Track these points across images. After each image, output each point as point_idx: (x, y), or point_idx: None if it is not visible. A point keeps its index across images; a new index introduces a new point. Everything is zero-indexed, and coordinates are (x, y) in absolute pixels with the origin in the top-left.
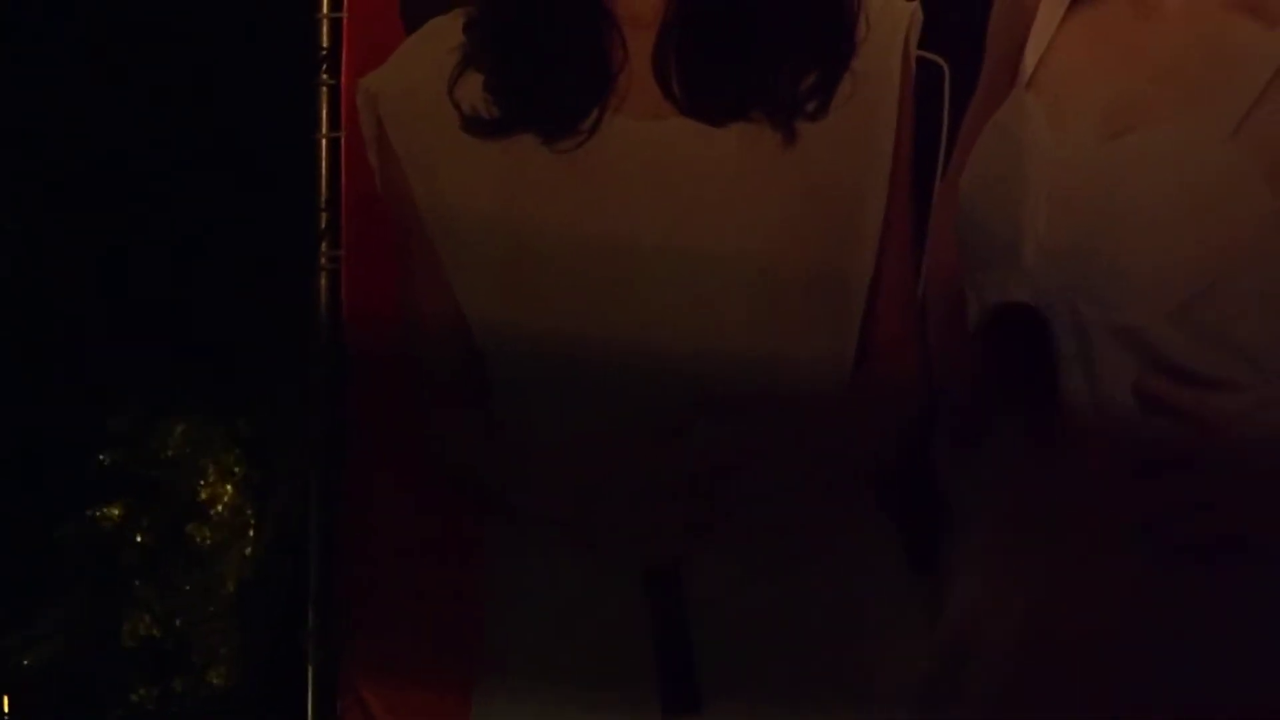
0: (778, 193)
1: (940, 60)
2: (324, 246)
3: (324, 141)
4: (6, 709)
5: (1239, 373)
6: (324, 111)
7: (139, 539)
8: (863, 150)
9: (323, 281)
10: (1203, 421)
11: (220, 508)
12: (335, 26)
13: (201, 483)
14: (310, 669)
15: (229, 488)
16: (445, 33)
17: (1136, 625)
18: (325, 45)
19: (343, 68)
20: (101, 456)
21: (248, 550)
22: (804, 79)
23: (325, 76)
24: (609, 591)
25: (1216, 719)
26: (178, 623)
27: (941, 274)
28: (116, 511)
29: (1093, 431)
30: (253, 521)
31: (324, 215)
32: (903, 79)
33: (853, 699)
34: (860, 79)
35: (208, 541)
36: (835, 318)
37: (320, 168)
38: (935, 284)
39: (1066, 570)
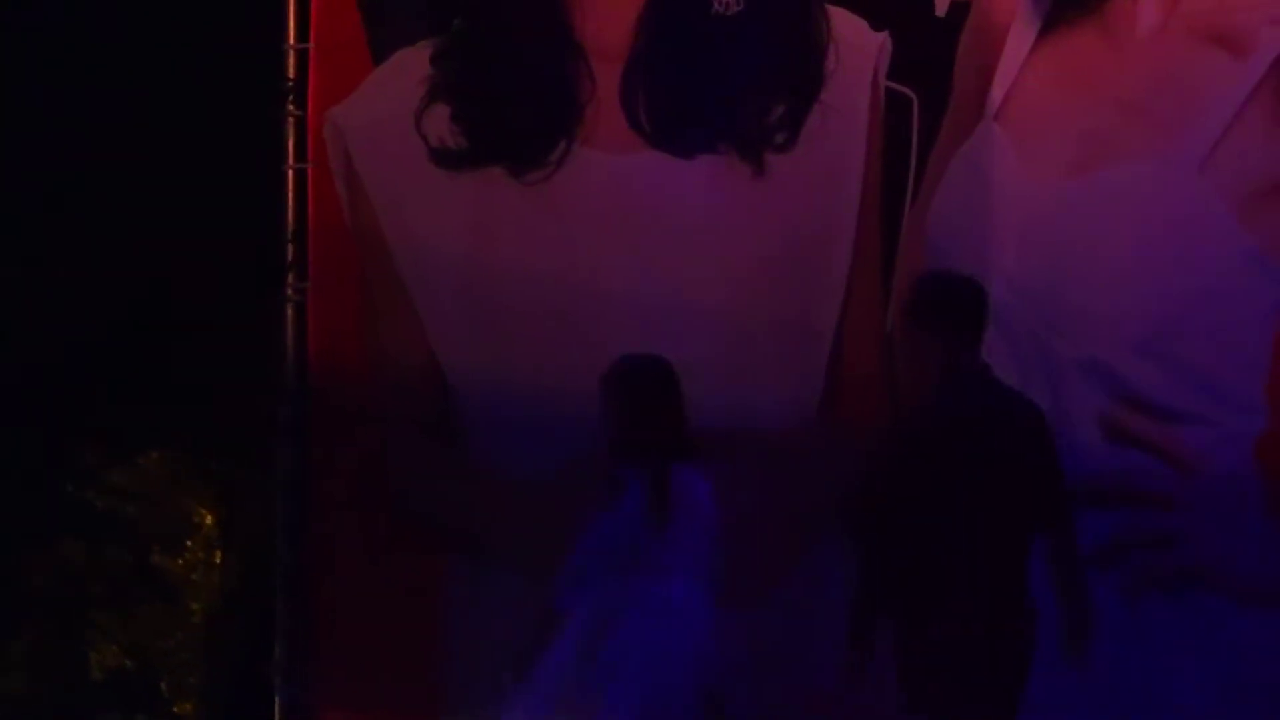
0: (747, 226)
1: (910, 92)
2: (290, 278)
3: (290, 173)
4: None
5: (1206, 407)
6: (290, 143)
7: (108, 568)
8: (832, 182)
9: (289, 313)
10: (1170, 455)
11: (192, 541)
12: (302, 58)
13: (177, 510)
14: (277, 700)
15: (202, 517)
16: (413, 65)
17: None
18: (291, 76)
19: (309, 99)
20: (69, 489)
21: (215, 582)
22: (772, 111)
23: (292, 108)
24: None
25: None
26: (147, 653)
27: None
28: (84, 544)
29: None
30: (220, 554)
31: (290, 247)
32: (872, 111)
33: None
34: (830, 111)
35: (175, 574)
36: (803, 354)
37: (287, 199)
38: (903, 319)
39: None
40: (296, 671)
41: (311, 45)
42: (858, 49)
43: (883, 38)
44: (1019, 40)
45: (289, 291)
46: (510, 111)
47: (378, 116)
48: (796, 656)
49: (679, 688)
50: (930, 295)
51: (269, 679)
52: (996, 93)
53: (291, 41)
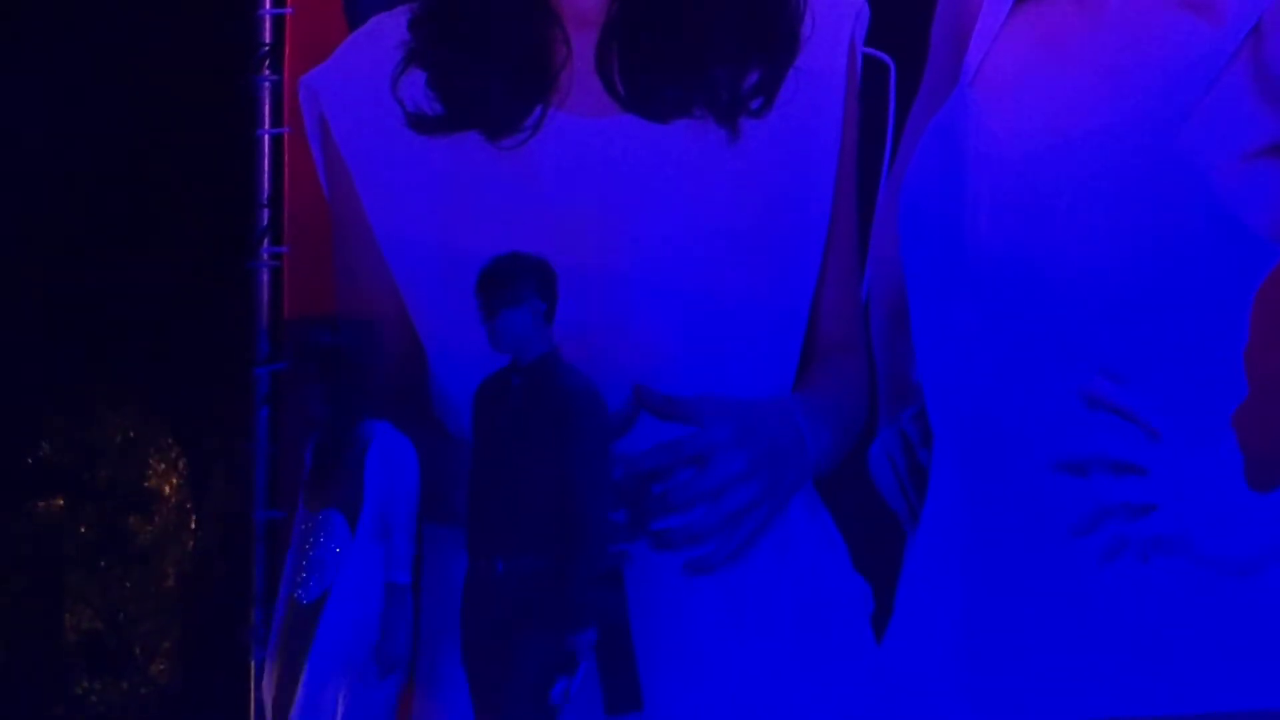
0: (722, 191)
1: (887, 59)
2: (266, 243)
3: (266, 138)
4: None
5: (1183, 374)
6: (266, 108)
7: (81, 531)
8: (808, 148)
9: (264, 278)
10: (1146, 423)
11: (166, 505)
12: (278, 23)
13: (150, 473)
14: (252, 663)
15: (175, 481)
16: (389, 30)
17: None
18: (267, 41)
19: (285, 64)
20: (41, 450)
21: (189, 545)
22: (747, 76)
23: (268, 72)
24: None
25: (1153, 715)
26: (120, 616)
27: (886, 276)
28: (59, 504)
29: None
30: (194, 518)
31: (266, 212)
32: (848, 77)
33: (796, 696)
34: (805, 77)
35: (149, 535)
36: (778, 323)
37: (262, 164)
38: (880, 287)
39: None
40: (271, 635)
41: (288, 10)
42: (834, 15)
43: (860, 4)
44: (995, 6)
45: (264, 257)
46: (486, 78)
47: (353, 81)
48: (764, 619)
49: None
50: (504, 276)
51: (244, 642)
52: (972, 59)
53: (268, 6)
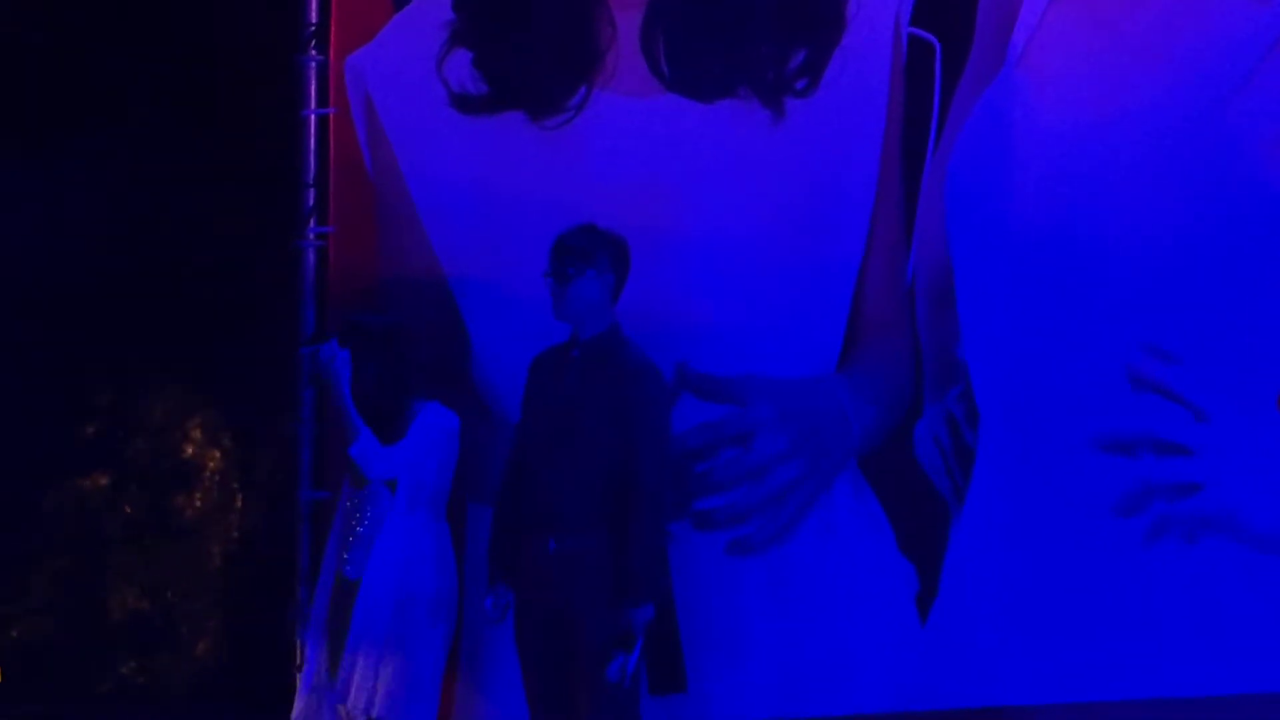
0: (767, 171)
1: (932, 38)
2: (311, 223)
3: (312, 118)
4: None
5: (1228, 353)
6: (312, 88)
7: (126, 510)
8: (853, 129)
9: (310, 258)
10: (1191, 402)
11: (206, 475)
12: (324, 3)
13: (195, 453)
14: (298, 642)
15: (220, 460)
16: (434, 10)
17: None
18: (313, 21)
19: (331, 44)
20: (86, 429)
21: (235, 524)
22: (793, 56)
23: (314, 52)
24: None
25: (1198, 695)
26: (165, 595)
27: (931, 255)
28: (104, 482)
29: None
30: (239, 496)
31: (312, 192)
32: (894, 57)
33: (838, 677)
34: (851, 57)
35: (194, 515)
36: (823, 302)
37: (308, 144)
38: (925, 266)
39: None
40: (315, 611)
41: None
42: None
43: None
44: None
45: (310, 236)
46: (531, 58)
47: (399, 61)
48: (807, 600)
49: None
50: (582, 244)
51: (289, 621)
52: (1018, 40)
53: None
